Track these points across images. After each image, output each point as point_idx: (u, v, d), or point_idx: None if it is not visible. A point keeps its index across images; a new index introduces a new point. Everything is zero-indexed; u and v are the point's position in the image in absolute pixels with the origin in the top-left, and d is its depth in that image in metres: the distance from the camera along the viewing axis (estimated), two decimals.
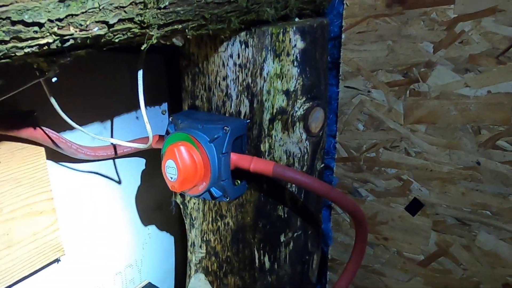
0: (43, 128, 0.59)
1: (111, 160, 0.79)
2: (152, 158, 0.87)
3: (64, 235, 0.69)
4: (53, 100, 0.50)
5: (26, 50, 0.34)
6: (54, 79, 0.43)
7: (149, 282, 0.90)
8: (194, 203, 0.81)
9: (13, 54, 0.34)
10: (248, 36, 0.64)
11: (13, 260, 0.61)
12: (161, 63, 0.84)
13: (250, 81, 0.66)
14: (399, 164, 0.82)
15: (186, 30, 0.51)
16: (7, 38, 0.32)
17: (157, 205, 0.92)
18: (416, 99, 0.76)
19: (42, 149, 0.61)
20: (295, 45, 0.65)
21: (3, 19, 0.31)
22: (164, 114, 0.87)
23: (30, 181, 0.60)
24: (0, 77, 0.40)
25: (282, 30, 0.64)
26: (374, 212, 0.88)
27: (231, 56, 0.66)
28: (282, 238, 0.76)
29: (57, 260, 0.71)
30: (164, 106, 0.87)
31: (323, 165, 0.81)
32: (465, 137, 0.73)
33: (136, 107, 0.79)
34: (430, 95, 0.75)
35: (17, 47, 0.34)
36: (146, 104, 0.58)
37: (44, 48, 0.35)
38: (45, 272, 0.70)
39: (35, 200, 0.62)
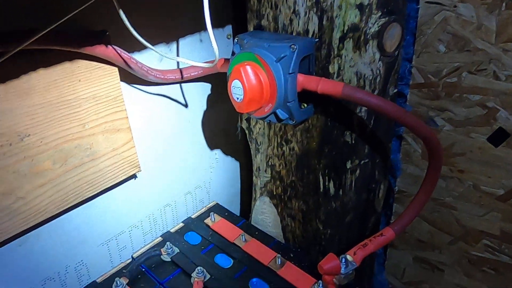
0: (115, 47, 0.61)
1: (179, 86, 0.80)
2: (218, 84, 0.87)
3: (139, 154, 0.74)
4: (122, 15, 0.50)
5: None
6: None
7: (217, 203, 0.95)
8: (260, 128, 0.81)
9: None
10: None
11: (97, 172, 0.67)
12: None
13: None
14: (484, 89, 0.74)
15: None
16: None
17: (223, 130, 0.94)
18: None
19: (116, 69, 0.64)
20: None
21: None
22: (229, 39, 0.85)
23: (107, 100, 0.64)
24: None
25: None
26: (450, 142, 0.81)
27: None
28: (348, 165, 0.75)
29: (134, 176, 0.77)
30: (229, 29, 0.85)
31: (396, 90, 0.76)
32: None
33: (201, 29, 0.78)
34: None
35: None
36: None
37: None
38: (125, 187, 0.77)
39: (113, 118, 0.66)
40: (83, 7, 0.44)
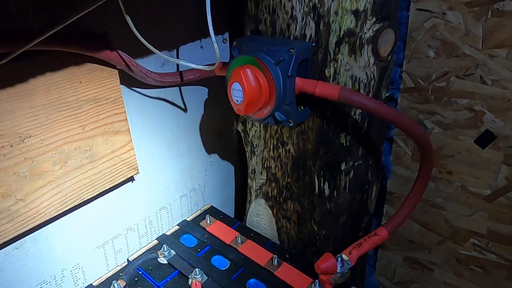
0: (117, 49, 0.61)
1: (177, 89, 0.81)
2: (215, 88, 0.88)
3: (137, 156, 0.74)
4: (128, 19, 0.51)
5: None
6: None
7: (212, 206, 0.96)
8: (255, 131, 0.82)
9: None
10: None
11: (96, 174, 0.67)
12: None
13: (317, 1, 0.63)
14: (472, 93, 0.77)
15: None
16: None
17: (219, 133, 0.95)
18: (499, 20, 0.69)
19: (116, 71, 0.64)
20: None
21: None
22: (225, 43, 0.87)
23: (107, 102, 0.64)
24: None
25: None
26: (440, 145, 0.84)
27: None
28: (343, 167, 0.77)
29: (131, 179, 0.77)
30: (225, 35, 0.86)
31: (388, 94, 0.78)
32: None
33: (201, 36, 0.79)
34: None
35: None
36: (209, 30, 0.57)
37: None
38: (122, 189, 0.77)
39: (112, 120, 0.66)
40: (89, 9, 0.44)
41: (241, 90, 0.62)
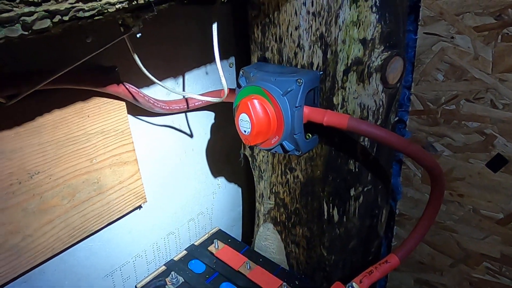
0: (124, 83, 0.61)
1: (184, 115, 0.81)
2: (221, 112, 0.88)
3: (144, 184, 0.74)
4: (136, 57, 0.51)
5: (118, 6, 0.35)
6: (138, 35, 0.43)
7: (219, 229, 0.95)
8: (263, 156, 0.82)
9: (105, 11, 0.35)
10: None
11: (104, 205, 0.67)
12: (228, 14, 0.82)
13: (324, 30, 0.63)
14: (482, 117, 0.76)
15: None
16: None
17: (226, 157, 0.94)
18: (509, 45, 0.68)
19: (123, 103, 0.64)
20: None
21: None
22: (231, 67, 0.87)
23: (114, 134, 0.64)
24: (90, 34, 0.41)
25: None
26: (450, 167, 0.83)
27: (304, 3, 0.62)
28: (352, 192, 0.76)
29: (139, 207, 0.77)
30: (231, 58, 0.86)
31: (396, 118, 0.77)
32: None
33: (206, 62, 0.79)
34: None
35: (109, 3, 0.34)
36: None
37: (133, 3, 0.36)
38: (129, 217, 0.76)
39: (120, 151, 0.66)
40: (101, 50, 0.44)
41: (249, 121, 0.62)
